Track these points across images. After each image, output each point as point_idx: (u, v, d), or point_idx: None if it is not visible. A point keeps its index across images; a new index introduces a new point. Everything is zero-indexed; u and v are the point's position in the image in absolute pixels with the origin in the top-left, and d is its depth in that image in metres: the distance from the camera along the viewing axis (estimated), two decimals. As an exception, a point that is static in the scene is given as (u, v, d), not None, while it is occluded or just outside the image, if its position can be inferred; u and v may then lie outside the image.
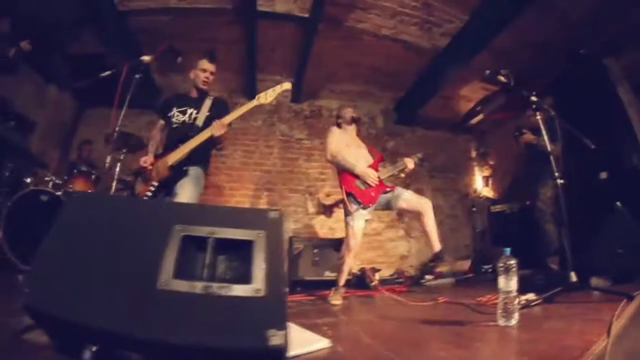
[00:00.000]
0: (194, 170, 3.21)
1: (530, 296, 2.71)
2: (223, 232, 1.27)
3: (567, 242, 3.20)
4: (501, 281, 2.07)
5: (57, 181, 4.53)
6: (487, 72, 3.45)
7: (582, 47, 5.01)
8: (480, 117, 7.62)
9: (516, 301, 2.05)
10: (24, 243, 3.82)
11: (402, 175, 4.29)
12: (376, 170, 4.09)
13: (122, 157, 4.83)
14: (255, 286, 1.15)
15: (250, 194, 6.74)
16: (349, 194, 3.95)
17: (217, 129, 3.06)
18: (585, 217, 3.85)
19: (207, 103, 3.44)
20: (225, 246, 1.26)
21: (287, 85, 3.44)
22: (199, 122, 3.31)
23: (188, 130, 3.23)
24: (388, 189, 4.05)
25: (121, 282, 1.16)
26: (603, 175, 4.66)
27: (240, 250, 1.24)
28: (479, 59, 5.56)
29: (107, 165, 3.25)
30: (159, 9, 5.13)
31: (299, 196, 6.96)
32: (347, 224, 3.99)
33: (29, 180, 4.49)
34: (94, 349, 1.09)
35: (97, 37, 5.33)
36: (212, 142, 3.20)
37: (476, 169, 8.39)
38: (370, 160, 4.25)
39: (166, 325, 1.07)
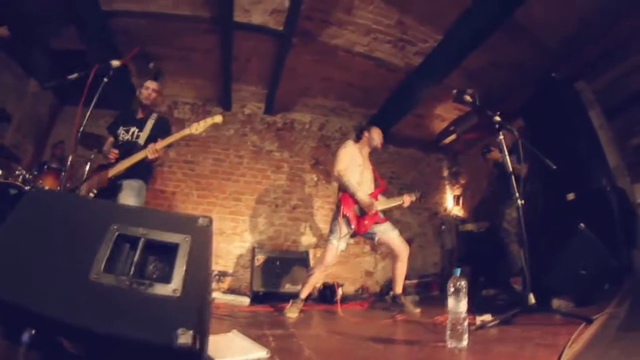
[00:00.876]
0: (135, 183, 3.45)
1: (487, 317, 2.72)
2: (154, 234, 1.33)
3: (526, 263, 3.21)
4: (450, 302, 2.05)
5: (27, 176, 4.56)
6: (454, 91, 3.50)
7: (555, 71, 5.12)
8: (453, 136, 7.72)
9: (465, 322, 2.03)
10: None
11: (394, 209, 4.33)
12: (376, 199, 4.14)
13: (92, 157, 4.85)
14: (173, 286, 1.20)
15: (217, 203, 6.71)
16: (344, 216, 3.95)
17: (150, 153, 3.27)
18: (551, 238, 3.87)
19: (150, 123, 3.69)
20: (156, 247, 1.31)
21: (218, 119, 3.53)
22: (141, 140, 3.57)
23: (131, 147, 3.50)
24: (381, 221, 4.10)
25: (60, 272, 1.22)
26: (570, 196, 4.67)
27: (168, 252, 1.29)
28: (453, 79, 5.65)
29: (68, 164, 3.24)
30: (140, 13, 5.12)
31: (265, 207, 6.95)
32: (329, 241, 4.00)
33: (0, 172, 4.51)
34: (32, 332, 1.13)
35: (78, 34, 5.31)
36: (149, 160, 3.38)
37: (447, 187, 8.48)
38: (372, 186, 4.32)
39: (92, 314, 1.13)
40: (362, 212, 4.00)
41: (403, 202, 4.31)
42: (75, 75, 3.17)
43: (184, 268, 1.23)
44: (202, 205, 6.56)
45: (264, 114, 7.40)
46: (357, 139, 4.53)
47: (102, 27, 5.19)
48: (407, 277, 4.61)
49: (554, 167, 3.32)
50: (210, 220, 1.37)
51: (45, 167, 4.98)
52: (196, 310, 1.16)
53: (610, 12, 4.46)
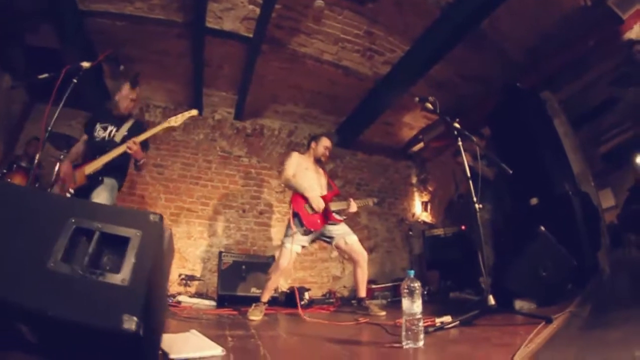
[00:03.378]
0: (109, 180, 3.46)
1: (447, 318, 2.71)
2: (109, 228, 1.40)
3: (485, 265, 3.36)
4: (405, 303, 2.07)
5: None
6: (417, 98, 3.64)
7: (520, 82, 5.29)
8: (421, 145, 7.90)
9: (421, 323, 2.05)
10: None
11: (344, 216, 4.40)
12: (329, 201, 4.23)
13: (62, 157, 4.84)
14: (122, 276, 1.28)
15: (185, 207, 6.70)
16: (295, 214, 4.04)
17: (131, 146, 3.29)
18: (515, 241, 3.99)
19: (128, 124, 3.72)
20: (110, 240, 1.39)
21: (195, 112, 3.69)
22: (117, 139, 3.57)
23: (106, 145, 3.50)
24: (335, 222, 4.21)
25: (18, 261, 1.27)
26: (534, 201, 4.79)
27: (120, 245, 1.36)
28: (420, 88, 5.80)
29: (35, 163, 3.25)
30: (116, 14, 5.13)
31: (232, 212, 6.97)
32: (283, 244, 4.08)
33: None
34: None
35: (55, 32, 5.25)
36: (127, 158, 3.46)
37: (416, 194, 8.64)
38: (325, 189, 4.42)
39: (47, 299, 1.19)
40: (313, 210, 4.09)
41: (349, 206, 4.34)
42: (45, 75, 3.17)
43: (133, 260, 1.31)
44: (169, 209, 6.54)
45: (234, 120, 7.43)
46: (306, 148, 4.66)
47: (79, 26, 5.18)
48: (375, 282, 4.71)
49: (510, 171, 3.42)
50: (161, 217, 1.45)
51: (15, 165, 4.96)
52: (143, 300, 1.24)
53: (572, 29, 4.71)
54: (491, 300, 2.84)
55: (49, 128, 3.10)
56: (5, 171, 4.81)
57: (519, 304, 3.27)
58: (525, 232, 3.71)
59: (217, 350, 1.85)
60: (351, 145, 8.00)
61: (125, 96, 3.74)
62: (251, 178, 7.30)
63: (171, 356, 1.62)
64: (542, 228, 3.47)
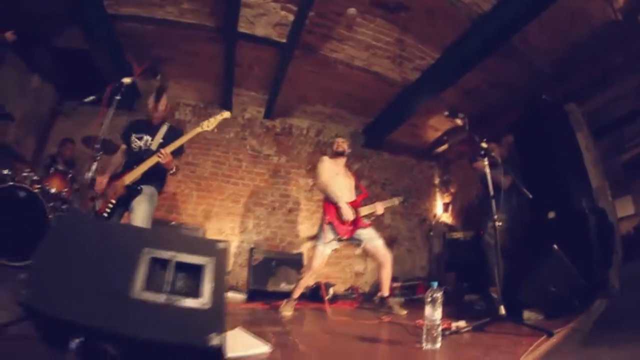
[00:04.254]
0: (148, 189, 3.58)
1: (461, 324, 3.01)
2: (182, 256, 1.60)
3: (499, 277, 3.45)
4: (427, 310, 2.35)
5: (35, 177, 4.69)
6: (446, 112, 3.76)
7: (546, 92, 5.31)
8: (445, 146, 7.97)
9: (439, 328, 2.34)
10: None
11: (372, 217, 4.57)
12: (359, 206, 4.44)
13: (98, 158, 5.02)
14: (203, 300, 1.49)
15: (216, 204, 6.92)
16: (329, 224, 4.29)
17: (162, 157, 3.44)
18: (531, 253, 4.08)
19: (162, 130, 3.83)
20: (184, 267, 1.59)
21: (227, 114, 3.81)
22: (154, 146, 3.68)
23: (143, 154, 3.61)
24: (364, 227, 4.40)
25: (105, 290, 1.48)
26: (551, 214, 4.83)
27: (194, 272, 1.57)
28: (448, 94, 5.99)
29: (91, 175, 3.38)
30: (146, 18, 5.30)
31: (262, 210, 7.17)
32: (316, 247, 4.34)
33: (6, 171, 4.61)
34: (78, 340, 1.38)
35: (82, 35, 5.42)
36: (163, 166, 3.54)
37: (438, 195, 8.72)
38: (354, 193, 4.63)
39: (136, 324, 1.40)
40: (345, 220, 4.31)
41: (376, 209, 4.54)
42: (92, 97, 3.38)
43: (210, 285, 1.52)
44: (201, 206, 6.78)
45: (264, 119, 7.61)
46: (332, 153, 4.86)
47: (107, 29, 5.35)
48: (394, 279, 4.88)
49: (530, 196, 3.57)
50: (228, 244, 1.66)
51: (52, 169, 5.10)
52: (221, 318, 1.46)
53: (601, 42, 4.72)
54: (502, 310, 3.07)
55: (101, 138, 3.27)
56: (43, 175, 4.95)
57: (527, 314, 3.47)
58: (540, 246, 3.83)
59: (265, 347, 2.07)
60: (377, 146, 8.12)
61: (153, 108, 3.88)
62: (280, 176, 7.49)
63: (227, 355, 1.81)
64: (556, 247, 3.59)
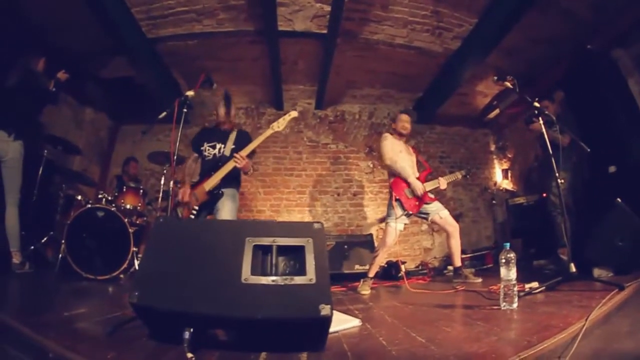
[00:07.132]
0: (229, 191, 3.79)
1: (534, 284, 3.12)
2: (281, 240, 1.77)
3: (567, 235, 3.52)
4: (502, 271, 2.46)
5: (109, 197, 4.98)
6: (495, 77, 3.79)
7: (590, 42, 5.20)
8: (496, 111, 7.84)
9: (515, 288, 2.45)
10: (84, 254, 4.31)
11: (436, 192, 4.69)
12: (423, 181, 4.55)
13: (164, 171, 5.34)
14: (309, 277, 1.65)
15: (283, 198, 7.21)
16: (397, 200, 4.41)
17: (238, 161, 3.63)
18: (594, 210, 4.04)
19: (232, 136, 4.00)
20: (284, 250, 1.77)
21: (294, 114, 3.97)
22: (227, 152, 3.86)
23: (218, 161, 3.80)
24: (430, 201, 4.52)
25: (214, 279, 1.66)
26: (612, 169, 4.81)
27: (295, 253, 1.75)
28: (492, 58, 5.92)
29: (168, 189, 3.59)
30: (186, 35, 5.60)
31: (328, 197, 7.40)
32: (388, 223, 4.48)
33: (79, 197, 5.06)
34: (191, 330, 1.53)
35: (127, 62, 5.83)
36: (240, 169, 3.74)
37: (495, 162, 8.62)
38: (416, 169, 4.74)
39: (250, 306, 1.56)
40: (412, 194, 4.44)
41: (440, 184, 4.62)
42: (163, 114, 3.63)
43: (314, 262, 1.68)
44: (269, 202, 7.10)
45: (315, 109, 7.81)
46: (392, 131, 4.88)
47: (151, 52, 5.69)
48: (462, 252, 4.96)
49: (588, 150, 3.56)
50: (322, 224, 1.82)
51: (124, 187, 5.34)
52: (328, 291, 1.61)
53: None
54: (572, 268, 3.16)
55: (175, 156, 3.48)
56: (117, 194, 5.21)
57: (597, 272, 3.50)
58: (603, 201, 3.79)
59: (355, 321, 2.25)
60: (429, 120, 8.11)
61: (224, 116, 4.05)
62: (341, 163, 7.67)
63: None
64: (619, 200, 3.58)
